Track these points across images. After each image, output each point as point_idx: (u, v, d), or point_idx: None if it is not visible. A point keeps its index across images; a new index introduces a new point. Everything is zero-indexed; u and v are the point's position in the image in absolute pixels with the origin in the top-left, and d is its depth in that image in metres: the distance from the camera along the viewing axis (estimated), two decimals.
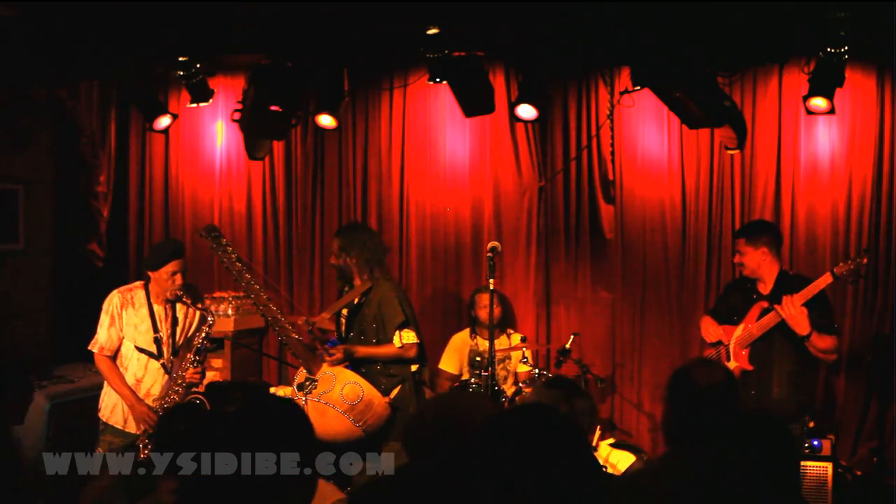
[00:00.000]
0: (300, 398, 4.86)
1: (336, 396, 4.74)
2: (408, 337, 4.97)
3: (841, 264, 4.55)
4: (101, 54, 6.11)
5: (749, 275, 4.71)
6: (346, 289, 5.18)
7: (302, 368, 4.98)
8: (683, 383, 3.02)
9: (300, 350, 4.92)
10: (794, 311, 4.41)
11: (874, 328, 6.00)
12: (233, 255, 4.92)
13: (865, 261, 4.60)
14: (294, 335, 4.92)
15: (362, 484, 2.65)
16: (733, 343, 4.66)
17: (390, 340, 4.98)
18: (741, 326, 4.66)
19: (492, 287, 4.94)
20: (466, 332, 6.18)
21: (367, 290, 5.04)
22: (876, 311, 6.00)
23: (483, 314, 5.83)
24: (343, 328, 5.18)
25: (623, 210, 6.51)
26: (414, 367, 5.06)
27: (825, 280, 4.48)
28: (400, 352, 4.97)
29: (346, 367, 4.90)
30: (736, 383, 3.10)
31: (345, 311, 5.17)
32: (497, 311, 6.00)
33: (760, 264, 4.65)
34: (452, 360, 6.13)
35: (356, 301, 5.08)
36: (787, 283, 4.61)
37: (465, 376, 6.01)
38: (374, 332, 5.02)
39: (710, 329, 4.81)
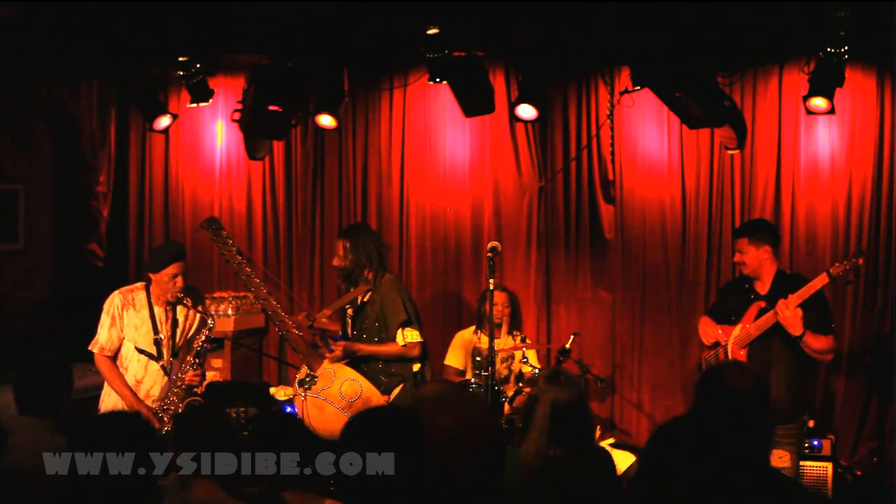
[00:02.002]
0: (300, 394, 4.88)
1: (334, 393, 4.75)
2: (411, 336, 4.95)
3: (837, 265, 4.53)
4: (101, 54, 6.11)
5: (750, 274, 4.70)
6: (350, 288, 5.16)
7: (304, 365, 4.98)
8: (714, 384, 2.97)
9: (300, 345, 4.93)
10: (788, 312, 4.40)
11: (874, 328, 6.00)
12: (233, 248, 4.93)
13: (861, 261, 4.60)
14: (294, 330, 4.92)
15: None
16: (731, 343, 4.65)
17: (393, 339, 4.96)
18: (739, 326, 4.65)
19: (492, 287, 4.94)
20: (471, 329, 6.17)
21: (371, 288, 5.03)
22: (876, 311, 6.00)
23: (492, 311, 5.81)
24: (349, 326, 5.17)
25: (623, 210, 6.51)
26: (416, 367, 5.03)
27: (821, 280, 4.47)
28: (403, 350, 4.96)
29: (347, 364, 4.90)
30: (766, 389, 3.06)
31: (350, 310, 5.17)
32: (507, 310, 6.01)
33: (762, 263, 4.64)
34: (458, 355, 6.11)
35: (361, 299, 5.08)
36: (785, 283, 4.59)
37: (470, 373, 6.01)
38: (376, 331, 5.01)
39: (707, 330, 4.80)
